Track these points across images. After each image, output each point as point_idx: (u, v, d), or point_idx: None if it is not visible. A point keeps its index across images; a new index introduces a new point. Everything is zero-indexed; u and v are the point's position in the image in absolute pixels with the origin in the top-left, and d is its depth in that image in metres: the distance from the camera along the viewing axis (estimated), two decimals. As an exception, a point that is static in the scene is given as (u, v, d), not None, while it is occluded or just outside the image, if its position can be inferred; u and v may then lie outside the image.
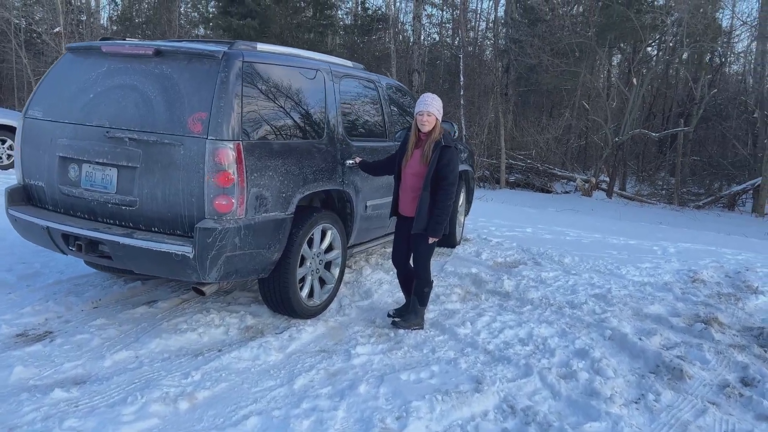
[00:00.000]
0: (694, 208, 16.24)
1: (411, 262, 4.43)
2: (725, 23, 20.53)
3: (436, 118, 4.12)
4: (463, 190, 6.97)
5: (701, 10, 15.22)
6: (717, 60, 20.36)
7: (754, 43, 18.59)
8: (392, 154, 4.61)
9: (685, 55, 17.19)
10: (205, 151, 3.56)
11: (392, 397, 3.35)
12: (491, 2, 25.51)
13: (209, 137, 3.57)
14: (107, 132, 3.79)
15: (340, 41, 23.26)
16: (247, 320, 4.32)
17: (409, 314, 4.39)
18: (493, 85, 18.51)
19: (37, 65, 21.64)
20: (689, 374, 3.85)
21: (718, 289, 6.04)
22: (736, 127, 19.36)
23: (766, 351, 4.36)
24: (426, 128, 4.10)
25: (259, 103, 3.88)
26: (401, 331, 4.29)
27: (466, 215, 7.41)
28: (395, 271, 4.62)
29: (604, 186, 17.34)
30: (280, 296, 4.21)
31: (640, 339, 4.36)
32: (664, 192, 18.53)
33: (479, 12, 27.02)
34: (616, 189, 17.31)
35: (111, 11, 27.89)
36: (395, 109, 5.79)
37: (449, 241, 6.65)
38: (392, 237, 5.77)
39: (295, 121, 4.21)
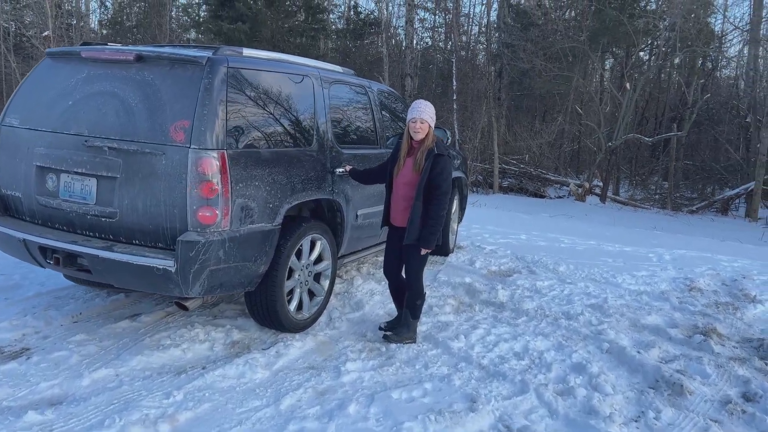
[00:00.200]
0: (688, 212, 16.20)
1: (403, 273, 4.30)
2: (717, 28, 20.57)
3: (429, 125, 3.99)
4: (456, 197, 6.84)
5: (693, 15, 15.20)
6: (709, 65, 20.38)
7: (746, 48, 18.61)
8: (384, 162, 4.48)
9: (677, 60, 17.18)
10: (187, 160, 3.42)
11: (383, 418, 3.21)
12: (484, 6, 25.46)
13: (192, 146, 3.42)
14: (86, 141, 3.65)
15: (333, 46, 23.15)
16: (234, 335, 4.17)
17: (401, 327, 4.25)
18: (486, 90, 18.44)
19: (26, 69, 21.37)
20: (690, 390, 3.73)
21: (715, 298, 5.94)
22: (728, 131, 19.37)
23: (767, 364, 4.25)
24: (419, 136, 3.97)
25: (245, 110, 3.74)
26: (393, 345, 4.15)
27: (459, 222, 7.29)
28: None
29: (597, 191, 17.28)
30: (267, 310, 4.06)
31: (639, 352, 4.25)
32: (657, 197, 18.50)
33: (471, 16, 26.99)
34: (609, 194, 17.26)
35: (101, 15, 27.69)
36: (387, 115, 5.67)
37: (442, 249, 6.52)
38: (384, 247, 5.65)
39: (282, 129, 4.08)
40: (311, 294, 4.48)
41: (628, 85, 15.86)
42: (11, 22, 23.27)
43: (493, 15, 21.04)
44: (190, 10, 23.17)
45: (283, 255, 4.00)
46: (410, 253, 4.07)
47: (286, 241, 4.03)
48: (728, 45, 20.27)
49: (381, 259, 6.30)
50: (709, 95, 17.19)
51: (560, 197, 17.59)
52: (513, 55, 17.45)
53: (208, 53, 3.71)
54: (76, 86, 3.83)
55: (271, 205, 3.84)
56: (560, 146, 19.82)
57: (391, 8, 25.47)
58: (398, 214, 4.14)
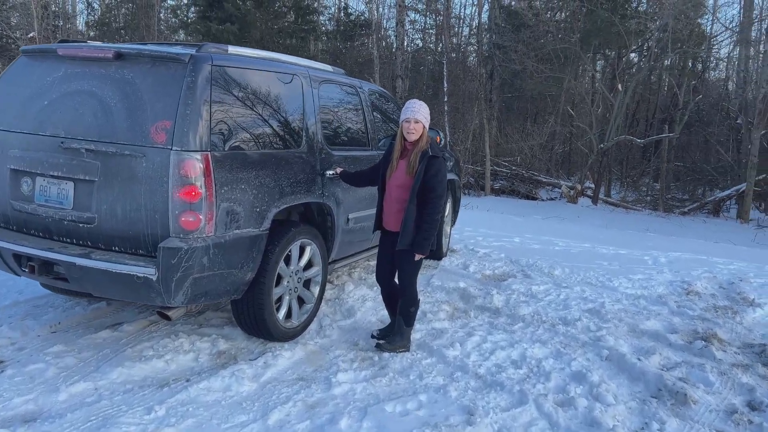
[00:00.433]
0: (680, 214, 16.16)
1: (396, 279, 4.14)
2: (707, 29, 20.58)
3: (424, 126, 3.84)
4: (449, 199, 6.70)
5: (683, 16, 15.17)
6: (699, 66, 20.40)
7: (737, 50, 18.63)
8: (376, 164, 4.33)
9: (667, 62, 17.15)
10: (169, 162, 3.25)
11: (376, 433, 3.05)
12: (475, 8, 25.38)
13: (174, 148, 3.26)
14: (62, 142, 3.47)
15: (323, 47, 22.98)
16: (220, 344, 3.99)
17: (394, 336, 4.09)
18: (478, 92, 18.34)
19: (11, 71, 21.03)
20: (694, 399, 3.60)
21: (713, 301, 5.83)
22: (717, 133, 19.38)
23: (771, 371, 4.13)
24: (413, 137, 3.82)
25: (230, 110, 3.58)
26: (386, 354, 4.00)
27: (452, 225, 7.15)
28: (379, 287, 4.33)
29: (589, 193, 17.21)
30: (254, 319, 3.89)
31: (639, 359, 4.11)
32: (648, 198, 18.46)
33: (462, 18, 26.92)
34: (601, 195, 17.19)
35: (88, 16, 27.36)
36: (378, 115, 5.52)
37: (436, 253, 6.37)
38: (377, 251, 5.50)
39: (270, 130, 3.91)
40: (301, 301, 4.31)
41: (620, 86, 15.80)
42: (-4, 24, 22.93)
43: (485, 16, 20.97)
44: (179, 11, 22.93)
45: (271, 261, 3.83)
46: (404, 258, 3.92)
47: (274, 246, 3.86)
48: (719, 47, 20.30)
49: (373, 263, 6.15)
50: (700, 96, 17.18)
51: (552, 199, 17.51)
52: (504, 56, 17.35)
53: (191, 50, 3.55)
54: (52, 85, 3.65)
55: (258, 209, 3.68)
56: (551, 148, 19.75)
57: (381, 10, 25.37)
58: (391, 218, 3.98)
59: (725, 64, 21.26)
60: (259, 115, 3.82)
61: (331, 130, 4.64)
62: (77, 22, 27.66)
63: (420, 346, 4.19)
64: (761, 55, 16.45)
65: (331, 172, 4.40)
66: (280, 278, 4.01)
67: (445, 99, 18.63)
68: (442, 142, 5.85)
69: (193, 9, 19.07)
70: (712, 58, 19.62)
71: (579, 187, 16.92)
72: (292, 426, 3.07)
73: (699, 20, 17.66)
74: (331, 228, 4.56)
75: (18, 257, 3.56)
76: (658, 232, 12.07)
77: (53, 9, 24.99)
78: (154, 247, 3.31)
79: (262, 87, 3.90)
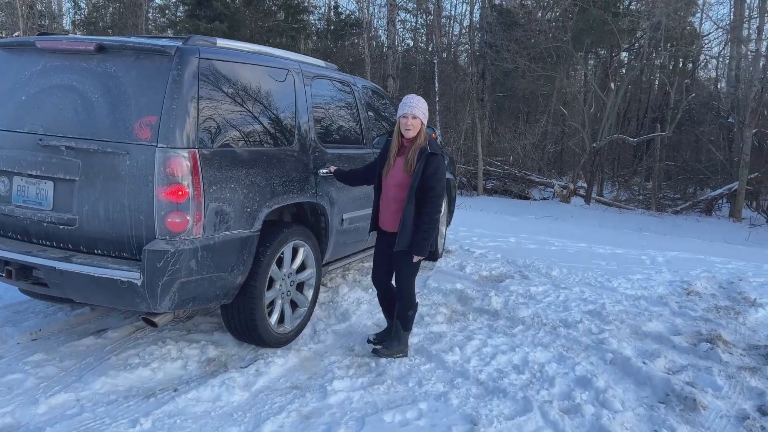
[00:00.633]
0: (673, 213, 16.10)
1: (393, 281, 3.98)
2: (698, 28, 20.59)
3: (422, 122, 3.68)
4: (444, 199, 6.55)
5: (678, 14, 15.12)
6: (690, 64, 20.39)
7: (727, 48, 18.64)
8: (371, 162, 4.17)
9: (659, 61, 17.11)
10: (154, 160, 3.08)
11: (375, 445, 2.89)
12: (467, 5, 25.30)
13: (159, 145, 3.08)
14: (41, 140, 3.29)
15: (313, 46, 22.78)
16: (209, 351, 3.82)
17: (391, 340, 3.93)
18: (470, 91, 18.22)
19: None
20: (703, 404, 3.46)
21: (714, 302, 5.72)
22: (708, 131, 19.36)
23: (779, 373, 4.01)
24: (410, 133, 3.66)
25: (219, 105, 3.41)
26: (383, 360, 3.84)
27: (447, 226, 7.00)
28: (375, 289, 4.17)
29: (581, 192, 17.13)
30: (245, 324, 3.72)
31: (644, 363, 3.98)
32: (641, 197, 18.41)
33: (453, 17, 26.81)
34: (593, 195, 17.11)
35: (75, 15, 27.00)
36: (372, 113, 5.36)
37: (432, 254, 6.19)
38: (372, 251, 5.34)
39: (261, 127, 3.74)
40: (294, 305, 4.15)
41: (612, 85, 15.73)
42: (-19, 23, 22.55)
43: (476, 15, 20.86)
44: (167, 11, 22.65)
45: (262, 264, 3.66)
46: (401, 260, 3.76)
47: (266, 248, 3.69)
48: (710, 46, 20.29)
49: (367, 264, 5.99)
50: (693, 95, 17.14)
51: (545, 199, 17.41)
52: (497, 55, 17.25)
53: (177, 43, 3.37)
54: (30, 80, 3.46)
55: (248, 210, 3.51)
56: (543, 148, 19.66)
57: (372, 9, 25.20)
58: (388, 218, 3.82)
59: (715, 62, 21.28)
60: (250, 111, 3.66)
61: (324, 127, 4.48)
62: (63, 21, 27.31)
63: (418, 351, 4.04)
64: (752, 54, 16.44)
65: (324, 170, 4.24)
66: (272, 281, 3.85)
67: (437, 99, 18.49)
68: (438, 139, 5.70)
69: (181, 8, 18.82)
70: (703, 57, 19.60)
71: (572, 186, 16.83)
72: (286, 438, 2.91)
73: (690, 18, 17.63)
74: (325, 228, 4.40)
75: (-6, 261, 3.37)
76: (653, 232, 11.99)
77: (39, 8, 24.65)
78: (138, 249, 3.13)
79: (253, 82, 3.73)
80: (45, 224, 3.32)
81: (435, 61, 19.99)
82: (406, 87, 23.12)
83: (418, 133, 3.69)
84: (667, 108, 18.35)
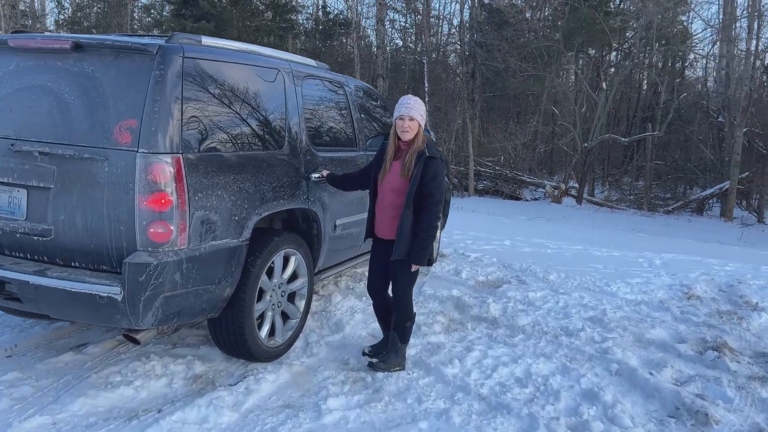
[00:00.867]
0: (664, 213, 16.05)
1: (390, 291, 3.80)
2: (690, 27, 20.57)
3: (419, 124, 3.50)
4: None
5: (669, 13, 15.06)
6: (679, 64, 20.38)
7: (716, 47, 18.63)
8: (366, 166, 3.98)
9: (650, 60, 17.06)
10: (135, 166, 2.88)
11: (374, 470, 2.70)
12: (456, 4, 25.15)
13: (140, 150, 2.88)
14: (13, 145, 3.07)
15: (302, 46, 22.55)
16: (196, 367, 3.61)
17: (388, 353, 3.75)
18: (460, 91, 18.07)
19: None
20: (715, 418, 3.31)
21: (716, 306, 5.59)
22: (698, 131, 19.35)
23: (790, 383, 3.87)
24: (407, 136, 3.48)
25: (205, 107, 3.20)
26: (380, 374, 3.65)
27: (442, 229, 6.82)
28: (368, 297, 3.98)
29: (573, 192, 17.04)
30: (234, 338, 3.52)
31: (651, 373, 3.83)
32: (632, 197, 18.36)
33: (442, 16, 26.65)
34: (585, 195, 17.03)
35: (58, 15, 26.55)
36: (365, 114, 5.17)
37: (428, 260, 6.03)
38: (366, 257, 5.15)
39: (249, 129, 3.54)
40: (285, 316, 3.95)
41: (604, 84, 15.64)
42: (-39, 23, 22.09)
43: (466, 14, 20.71)
44: (152, 10, 22.32)
45: (251, 275, 3.47)
46: (399, 269, 3.57)
47: (256, 258, 3.50)
48: (701, 46, 20.29)
49: (360, 270, 5.81)
50: (685, 94, 17.11)
51: (536, 199, 17.30)
52: (487, 54, 17.11)
53: (159, 41, 3.17)
54: (2, 81, 3.24)
55: (236, 218, 3.31)
56: (534, 148, 19.55)
57: (360, 9, 25.01)
58: (384, 225, 3.63)
59: (705, 61, 21.29)
60: (237, 113, 3.46)
61: (315, 129, 4.29)
62: (47, 21, 26.86)
63: (416, 364, 3.86)
64: (743, 53, 16.44)
65: (316, 175, 4.05)
66: (262, 293, 3.65)
67: (426, 99, 18.32)
68: (434, 141, 5.53)
69: (167, 7, 18.52)
70: (692, 56, 19.59)
71: (563, 186, 16.74)
72: (279, 464, 2.71)
73: (681, 17, 17.60)
74: (318, 235, 4.20)
75: (-36, 275, 3.14)
76: (647, 232, 11.90)
77: (22, 8, 24.21)
78: (119, 262, 2.93)
79: (240, 82, 3.53)
80: (18, 235, 3.10)
81: (424, 61, 19.83)
82: (396, 87, 22.95)
83: (416, 135, 3.50)
84: (657, 107, 18.32)
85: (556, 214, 14.18)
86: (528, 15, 19.15)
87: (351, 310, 4.73)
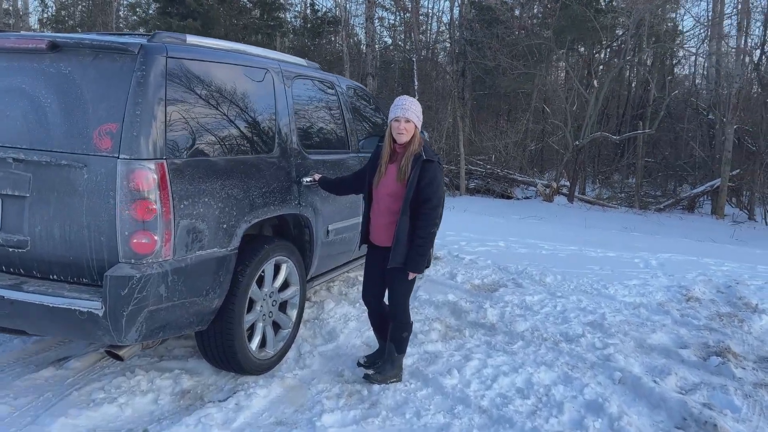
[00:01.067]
0: (656, 211, 16.02)
1: (386, 300, 3.65)
2: (681, 24, 20.58)
3: (415, 126, 3.35)
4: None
5: (660, 10, 15.01)
6: (668, 61, 20.37)
7: (707, 45, 18.62)
8: (360, 169, 3.83)
9: (642, 57, 17.01)
10: (116, 173, 2.71)
11: (373, 494, 2.56)
12: (446, 1, 25.05)
13: (121, 156, 2.72)
14: (-15, 151, 2.88)
15: (290, 44, 22.34)
16: (183, 382, 3.45)
17: (384, 364, 3.60)
18: (451, 89, 17.95)
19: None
20: (725, 430, 3.19)
21: (716, 308, 5.49)
22: (687, 128, 19.36)
23: (797, 390, 3.77)
24: (403, 138, 3.33)
25: (190, 110, 3.04)
26: (376, 387, 3.50)
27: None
28: (362, 303, 3.83)
29: (564, 191, 16.97)
30: (223, 351, 3.36)
31: (655, 382, 3.71)
32: (623, 195, 18.33)
33: (431, 14, 26.51)
34: (576, 193, 16.97)
35: (42, 14, 26.14)
36: (357, 114, 5.02)
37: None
38: (360, 262, 5.01)
39: (237, 132, 3.38)
40: (276, 326, 3.80)
41: (596, 82, 15.57)
42: (-58, 22, 21.67)
43: (456, 11, 20.58)
44: (138, 9, 22.01)
45: (241, 285, 3.31)
46: (395, 277, 3.42)
47: (245, 267, 3.34)
48: (691, 44, 20.30)
49: (353, 275, 5.66)
50: (676, 92, 17.08)
51: (527, 198, 17.22)
52: (478, 52, 16.99)
53: (141, 40, 3.00)
54: (-26, 83, 3.05)
55: (225, 226, 3.15)
56: (524, 147, 19.47)
57: (349, 7, 24.82)
58: (380, 231, 3.48)
59: (694, 59, 21.32)
60: (224, 115, 3.29)
61: (306, 131, 4.13)
62: (30, 20, 26.45)
63: (413, 375, 3.71)
64: (733, 50, 16.44)
65: (308, 178, 3.89)
66: (252, 303, 3.49)
67: (416, 97, 18.18)
68: (427, 142, 5.38)
69: (153, 5, 18.24)
70: (682, 53, 19.59)
71: (555, 185, 16.67)
72: (272, 488, 2.56)
73: (672, 14, 17.57)
74: (310, 242, 4.05)
75: (-66, 289, 2.96)
76: (639, 231, 11.84)
77: (5, 6, 23.82)
78: (100, 275, 2.76)
79: (227, 83, 3.37)
80: (-8, 247, 2.93)
81: (414, 59, 19.69)
82: (385, 86, 22.81)
83: (412, 137, 3.36)
84: (648, 105, 18.30)
85: (548, 213, 14.10)
86: (517, 12, 19.09)
87: (344, 318, 4.58)
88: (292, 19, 24.84)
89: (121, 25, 22.61)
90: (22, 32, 3.35)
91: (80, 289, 2.79)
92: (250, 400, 3.24)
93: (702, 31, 18.00)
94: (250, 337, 3.52)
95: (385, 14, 25.56)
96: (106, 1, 21.93)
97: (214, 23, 15.53)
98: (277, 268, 3.69)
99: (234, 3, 17.15)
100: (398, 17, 25.18)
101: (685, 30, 19.74)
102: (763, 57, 15.92)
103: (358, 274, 5.71)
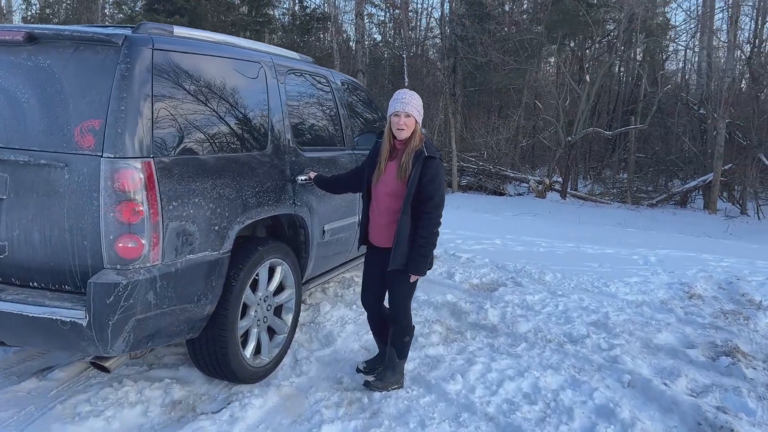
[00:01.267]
0: (648, 206, 15.98)
1: (387, 303, 3.49)
2: (673, 18, 20.55)
3: (416, 121, 3.19)
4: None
5: (650, 4, 14.93)
6: (659, 55, 20.33)
7: (698, 39, 18.59)
8: (358, 167, 3.66)
9: (633, 52, 16.95)
10: (99, 173, 2.53)
11: None
12: None
13: (105, 154, 2.54)
14: (-42, 150, 2.69)
15: (279, 41, 22.09)
16: (174, 392, 3.27)
17: (385, 370, 3.44)
18: (442, 86, 17.80)
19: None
20: (741, 435, 3.07)
21: (719, 306, 5.39)
22: (678, 123, 19.34)
23: (811, 391, 3.66)
24: (403, 134, 3.17)
25: (179, 106, 2.86)
26: (377, 394, 3.34)
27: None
28: (359, 305, 3.69)
29: (557, 187, 16.89)
30: (216, 360, 3.19)
31: (666, 384, 3.58)
32: (615, 191, 18.27)
33: (420, 10, 26.36)
34: (569, 189, 16.89)
35: (26, 12, 25.69)
36: (352, 110, 4.85)
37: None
38: (356, 263, 4.85)
39: (228, 129, 3.21)
40: (271, 332, 3.63)
41: (588, 77, 15.49)
42: None
43: (447, 7, 20.41)
44: (124, 6, 21.67)
45: (234, 289, 3.14)
46: (396, 280, 3.26)
47: (238, 271, 3.17)
48: (683, 39, 20.28)
49: (349, 275, 5.50)
50: (669, 86, 17.03)
51: (520, 194, 17.11)
52: (469, 48, 16.85)
53: (126, 31, 2.82)
54: (-54, 77, 2.86)
55: (216, 228, 2.97)
56: (515, 143, 19.36)
57: (338, 2, 24.59)
58: (380, 232, 3.32)
59: (684, 53, 21.31)
60: (215, 111, 3.12)
61: (301, 127, 3.96)
62: (14, 18, 25.99)
63: (415, 380, 3.56)
64: (724, 43, 16.40)
65: (303, 177, 3.72)
66: (245, 308, 3.32)
67: (407, 94, 17.99)
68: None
69: (139, 1, 17.95)
70: (671, 48, 19.55)
71: (547, 181, 16.58)
72: (270, 508, 2.40)
73: (664, 9, 17.52)
74: (305, 242, 3.89)
75: None
76: (634, 227, 11.75)
77: (-13, 4, 23.40)
78: (83, 282, 2.59)
79: (218, 77, 3.19)
80: (-33, 253, 2.74)
81: (404, 56, 19.54)
82: (375, 83, 22.63)
83: (413, 133, 3.20)
84: (638, 100, 18.25)
85: (541, 209, 14.00)
86: (507, 8, 18.98)
87: (341, 321, 4.42)
88: (281, 16, 24.57)
89: (107, 23, 22.27)
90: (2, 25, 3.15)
91: (62, 297, 2.61)
92: (245, 411, 3.07)
93: (693, 25, 17.96)
94: (244, 344, 3.35)
95: (374, 11, 25.40)
96: (91, -2, 21.59)
97: (202, 19, 15.29)
98: (271, 271, 3.53)
99: (221, -1, 16.93)
100: (387, 14, 25.02)
101: (677, 25, 19.67)
102: (755, 51, 15.89)
103: (354, 274, 5.55)
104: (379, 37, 26.47)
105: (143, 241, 2.58)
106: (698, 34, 17.96)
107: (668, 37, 17.26)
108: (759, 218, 14.68)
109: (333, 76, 4.68)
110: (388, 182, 3.22)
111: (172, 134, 2.78)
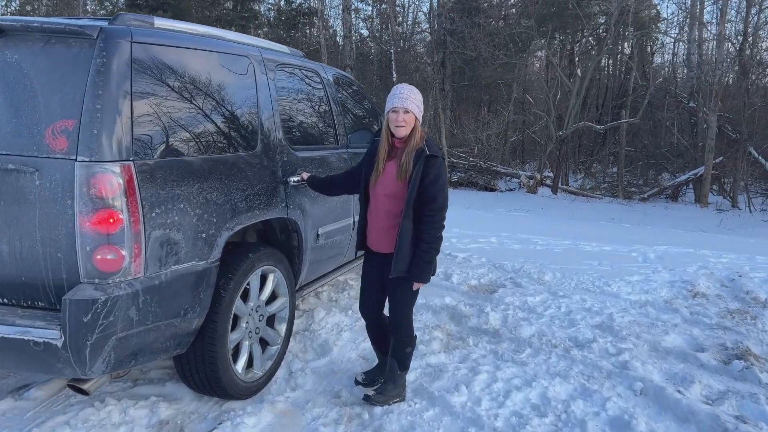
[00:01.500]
0: (640, 200, 15.90)
1: (387, 312, 3.29)
2: (664, 12, 20.49)
3: (416, 118, 2.98)
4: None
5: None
6: (649, 48, 20.27)
7: (687, 32, 18.53)
8: (354, 167, 3.45)
9: (628, 44, 16.82)
10: (74, 178, 2.31)
11: None
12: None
13: (80, 158, 2.31)
14: None
15: (265, 37, 21.77)
16: (161, 411, 3.05)
17: (386, 383, 3.24)
18: (432, 81, 17.60)
19: None
20: (764, 446, 2.91)
21: (724, 304, 5.24)
22: (668, 116, 19.29)
23: (829, 396, 3.50)
24: (402, 132, 2.96)
25: (161, 104, 2.64)
26: (377, 409, 3.14)
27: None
28: (355, 310, 3.48)
29: (548, 182, 16.77)
30: (206, 376, 2.97)
31: (680, 392, 3.42)
32: (606, 185, 18.19)
33: (407, 4, 26.12)
34: (560, 184, 16.78)
35: (5, 8, 25.14)
36: (345, 106, 4.63)
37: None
38: (351, 266, 4.65)
39: (215, 128, 2.98)
40: (264, 343, 3.41)
41: (579, 71, 15.35)
42: None
43: (434, 1, 20.21)
44: (106, 1, 21.24)
45: (224, 300, 2.92)
46: (398, 287, 3.06)
47: (228, 280, 2.95)
48: (673, 31, 20.20)
49: (343, 279, 5.29)
50: (661, 79, 16.94)
51: (510, 190, 16.97)
52: (459, 42, 16.65)
53: (101, 23, 2.59)
54: None
55: (204, 235, 2.75)
56: (505, 138, 19.21)
57: (325, -2, 24.27)
58: (379, 236, 3.11)
59: (674, 46, 21.26)
60: (200, 109, 2.89)
61: (292, 125, 3.74)
62: (-7, 14, 25.45)
63: (417, 392, 3.36)
64: (715, 36, 16.34)
65: (295, 178, 3.51)
66: (236, 320, 3.11)
67: (396, 89, 17.78)
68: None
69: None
70: (660, 40, 19.48)
71: (538, 176, 16.45)
72: None
73: (655, 1, 17.43)
74: (298, 247, 3.67)
75: None
76: (627, 222, 11.65)
77: (-36, 1, 22.86)
78: (58, 298, 2.36)
79: (203, 72, 2.96)
80: (-71, 267, 2.50)
81: (391, 51, 19.32)
82: (363, 78, 22.38)
83: (413, 130, 2.99)
84: (628, 94, 18.16)
85: (534, 205, 13.86)
86: (494, 1, 18.80)
87: (337, 328, 4.21)
88: (266, 11, 24.24)
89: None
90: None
91: (35, 315, 2.38)
92: (238, 431, 2.86)
93: (683, 18, 17.88)
94: (236, 358, 3.14)
95: (361, 5, 25.14)
96: (72, -7, 21.12)
97: (186, 15, 14.97)
98: (263, 279, 3.31)
99: (206, -6, 16.59)
100: (374, 9, 24.75)
101: (668, 17, 19.60)
102: (745, 43, 15.84)
103: (348, 277, 5.35)
104: (366, 32, 26.22)
105: (123, 253, 2.36)
106: (688, 25, 17.89)
107: (659, 29, 17.15)
108: (750, 211, 14.66)
109: (325, 71, 4.46)
110: (387, 183, 3.01)
111: (154, 135, 2.56)
